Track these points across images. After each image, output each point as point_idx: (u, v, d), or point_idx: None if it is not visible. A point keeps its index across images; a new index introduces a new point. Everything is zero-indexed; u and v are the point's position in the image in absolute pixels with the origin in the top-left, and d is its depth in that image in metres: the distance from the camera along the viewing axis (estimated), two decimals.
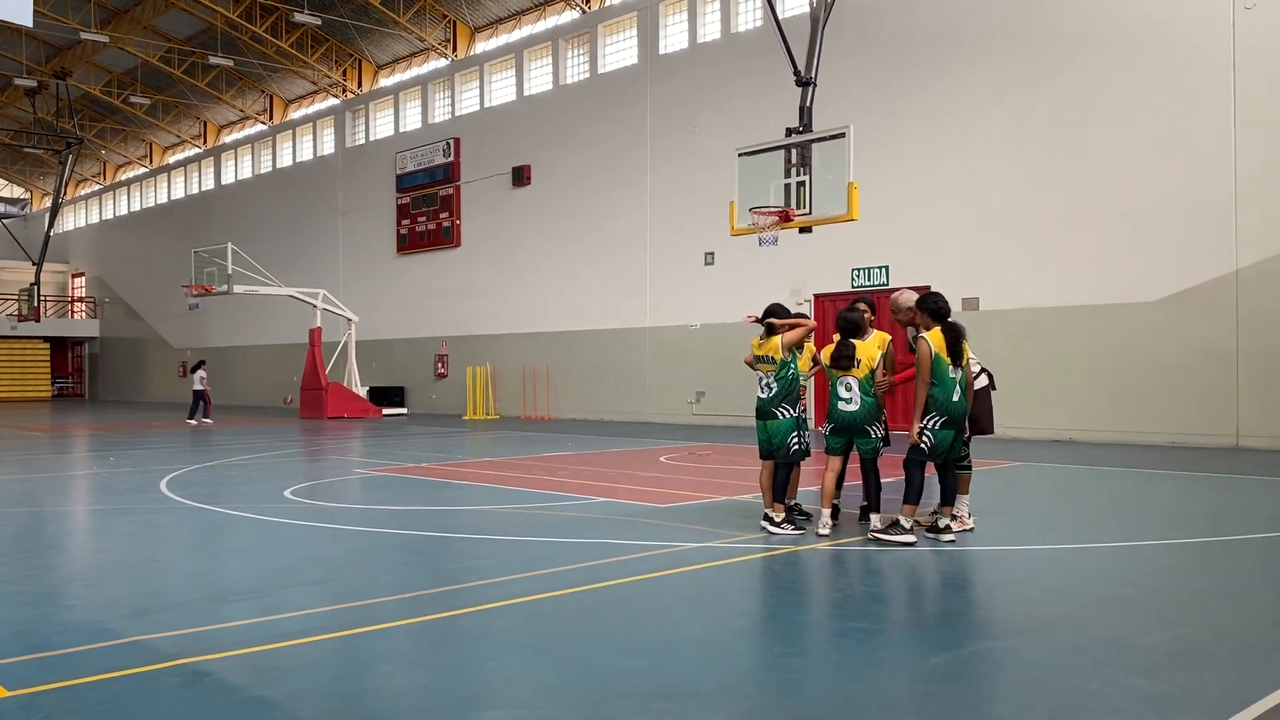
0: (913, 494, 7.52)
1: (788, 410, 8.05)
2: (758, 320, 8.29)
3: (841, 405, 7.83)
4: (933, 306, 7.60)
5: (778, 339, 8.12)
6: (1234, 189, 15.88)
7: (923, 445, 7.48)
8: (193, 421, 25.06)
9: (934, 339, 7.45)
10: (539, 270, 26.93)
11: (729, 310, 22.02)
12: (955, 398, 7.43)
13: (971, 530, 7.93)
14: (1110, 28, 17.22)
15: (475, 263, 28.81)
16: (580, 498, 10.24)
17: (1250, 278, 15.70)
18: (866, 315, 8.09)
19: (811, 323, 8.28)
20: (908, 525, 7.47)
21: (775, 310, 8.27)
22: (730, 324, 21.81)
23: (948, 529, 7.65)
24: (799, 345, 8.18)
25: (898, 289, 8.24)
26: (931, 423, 7.45)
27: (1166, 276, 16.46)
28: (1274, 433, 15.42)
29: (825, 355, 7.95)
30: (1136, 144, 16.85)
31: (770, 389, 8.13)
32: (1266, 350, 15.52)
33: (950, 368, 7.43)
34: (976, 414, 7.96)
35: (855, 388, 7.77)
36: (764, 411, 8.15)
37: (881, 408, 7.90)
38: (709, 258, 22.78)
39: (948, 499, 7.74)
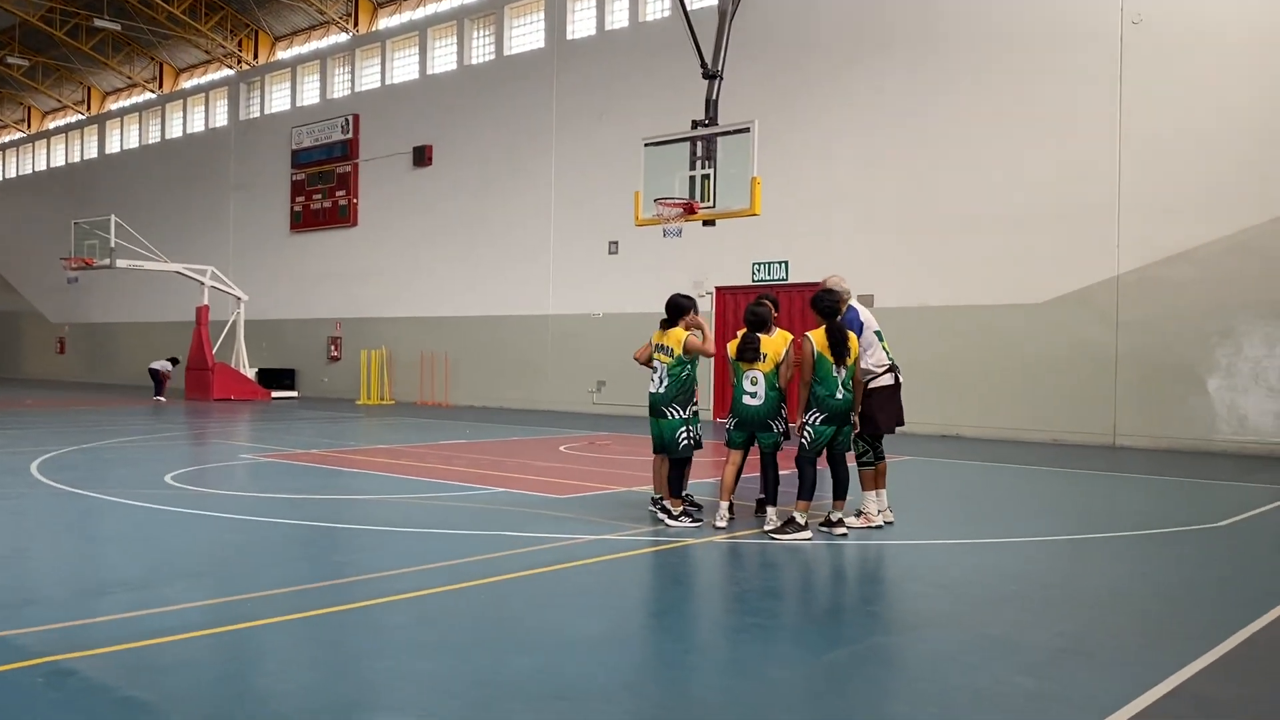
0: (805, 489, 7.61)
1: (678, 410, 8.06)
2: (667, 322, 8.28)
3: (746, 399, 7.86)
4: (819, 306, 7.75)
5: (679, 330, 8.12)
6: (1117, 197, 16.50)
7: (804, 439, 7.64)
8: (162, 399, 25.89)
9: (816, 338, 7.60)
10: (438, 253, 26.50)
11: (633, 300, 22.02)
12: (838, 395, 7.58)
13: (881, 528, 8.04)
14: (1003, 37, 17.70)
15: (372, 243, 28.20)
16: (476, 488, 10.08)
17: (1130, 283, 16.35)
18: (773, 313, 8.14)
19: (711, 350, 8.25)
20: (802, 521, 7.55)
21: (676, 302, 8.26)
22: (633, 314, 21.80)
23: (841, 523, 7.76)
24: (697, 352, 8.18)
25: (823, 281, 8.26)
26: (812, 418, 7.61)
27: (1051, 279, 17.02)
28: (1149, 432, 16.11)
29: (731, 349, 7.97)
30: (1026, 150, 17.37)
31: (662, 383, 8.11)
32: (1143, 353, 16.19)
33: (834, 366, 7.54)
34: (873, 415, 8.04)
35: (761, 382, 7.81)
36: (655, 409, 8.17)
37: (783, 403, 7.95)
38: (613, 247, 22.72)
39: (839, 493, 7.84)
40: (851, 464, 8.21)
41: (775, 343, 7.89)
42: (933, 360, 17.98)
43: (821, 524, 7.84)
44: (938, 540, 7.71)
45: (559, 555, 6.84)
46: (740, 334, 7.99)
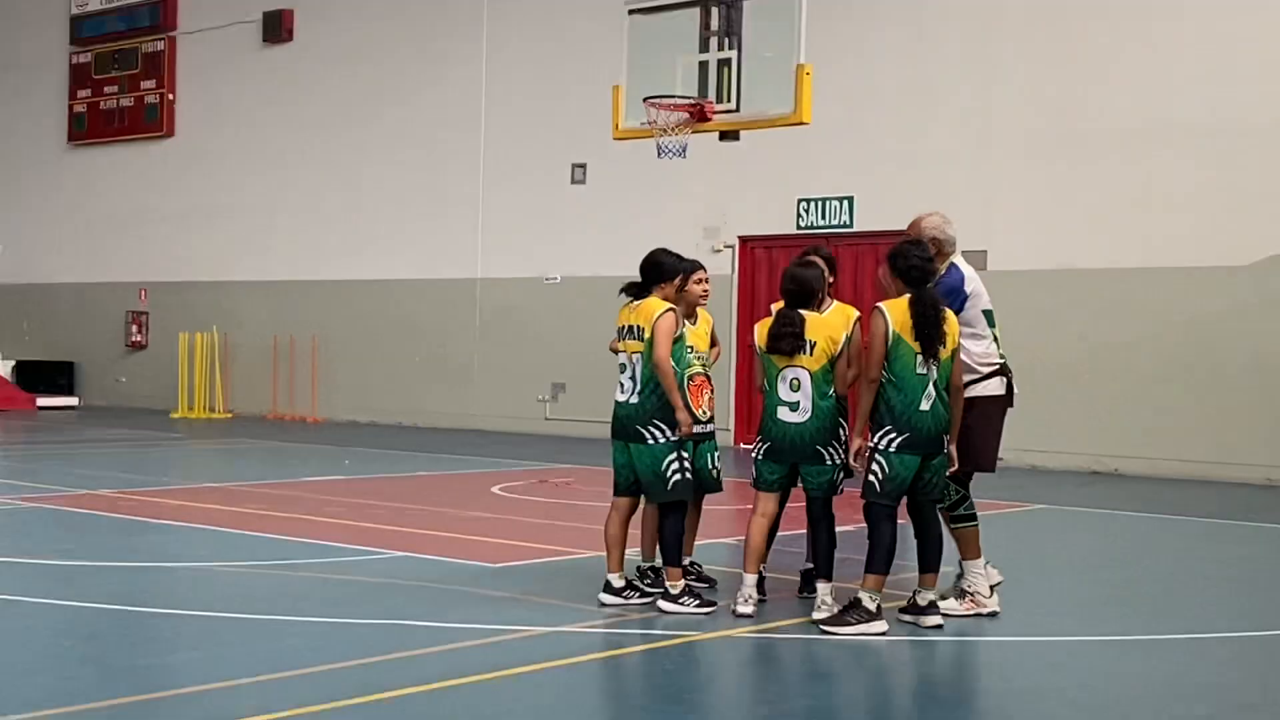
0: (880, 556, 7.59)
1: (662, 430, 7.99)
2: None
3: (783, 414, 7.83)
4: (900, 264, 7.69)
5: (655, 301, 8.02)
6: None
7: (871, 477, 7.61)
8: None
9: (894, 313, 7.54)
10: (303, 182, 26.38)
11: (608, 255, 21.88)
12: (924, 406, 7.55)
13: (996, 614, 8.05)
14: None
15: (199, 165, 28.06)
16: (363, 551, 10.07)
17: None
18: (826, 277, 8.10)
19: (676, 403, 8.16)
20: (873, 605, 7.55)
21: (655, 260, 8.15)
22: (609, 278, 21.62)
23: (933, 608, 7.76)
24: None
25: (912, 223, 8.26)
26: (885, 441, 7.55)
27: (1264, 229, 17.07)
28: None
29: (760, 335, 7.93)
30: (1227, 27, 17.34)
31: (633, 385, 8.02)
32: None
33: (919, 360, 7.54)
34: (972, 440, 8.03)
35: (806, 385, 7.79)
36: (625, 427, 8.05)
37: (843, 419, 7.94)
38: (578, 173, 22.66)
39: (929, 562, 7.85)
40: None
41: (830, 323, 7.84)
42: (1078, 355, 17.98)
43: (903, 610, 7.85)
44: (1080, 635, 7.72)
45: (494, 658, 6.82)
46: (775, 311, 7.99)
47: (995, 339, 8.20)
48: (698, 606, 7.98)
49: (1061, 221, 18.42)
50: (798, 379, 7.82)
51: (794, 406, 7.82)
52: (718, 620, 7.81)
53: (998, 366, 8.16)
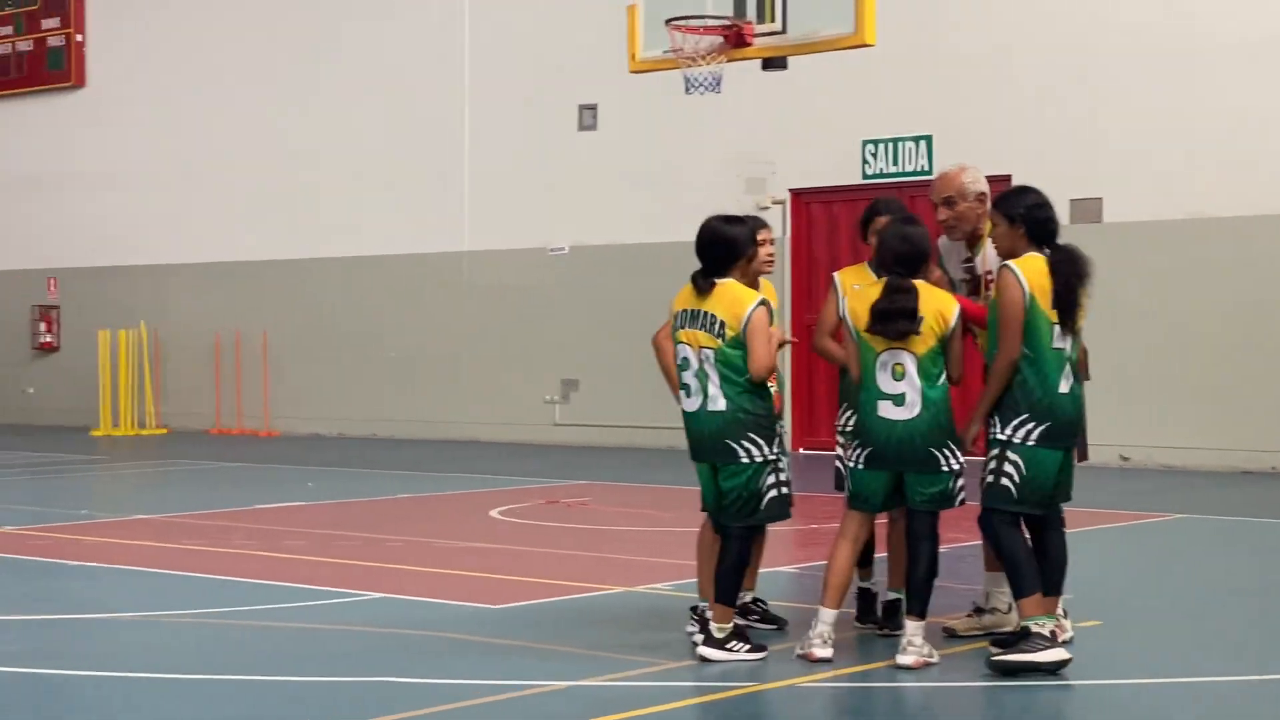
0: (1030, 570, 7.53)
1: (756, 444, 7.95)
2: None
3: (886, 410, 7.77)
4: (1037, 215, 7.69)
5: (735, 288, 7.97)
6: None
7: (1004, 480, 7.56)
8: None
9: (1029, 273, 7.51)
10: (244, 140, 26.41)
11: (626, 218, 21.91)
12: (1063, 388, 7.55)
13: (1071, 640, 8.03)
14: None
15: (117, 121, 28.13)
16: (331, 592, 10.13)
17: None
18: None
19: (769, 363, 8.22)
20: (1046, 630, 7.49)
21: (724, 236, 8.06)
22: (629, 244, 21.72)
23: (1052, 637, 7.68)
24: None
25: (955, 173, 8.33)
26: (1022, 433, 7.53)
27: None
28: None
29: (855, 311, 7.85)
30: None
31: (707, 390, 7.99)
32: None
33: (1057, 332, 7.53)
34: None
35: (912, 373, 7.74)
36: (705, 441, 8.04)
37: (951, 415, 7.85)
38: (587, 117, 22.65)
39: (1052, 582, 7.81)
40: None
41: (939, 295, 7.82)
42: (1220, 326, 17.88)
43: (995, 644, 7.81)
44: (1241, 674, 7.69)
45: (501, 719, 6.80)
46: (838, 279, 8.01)
47: None
48: (749, 652, 7.95)
49: (1196, 164, 18.31)
50: (901, 365, 7.76)
51: (898, 400, 7.77)
52: (778, 667, 7.76)
53: None
